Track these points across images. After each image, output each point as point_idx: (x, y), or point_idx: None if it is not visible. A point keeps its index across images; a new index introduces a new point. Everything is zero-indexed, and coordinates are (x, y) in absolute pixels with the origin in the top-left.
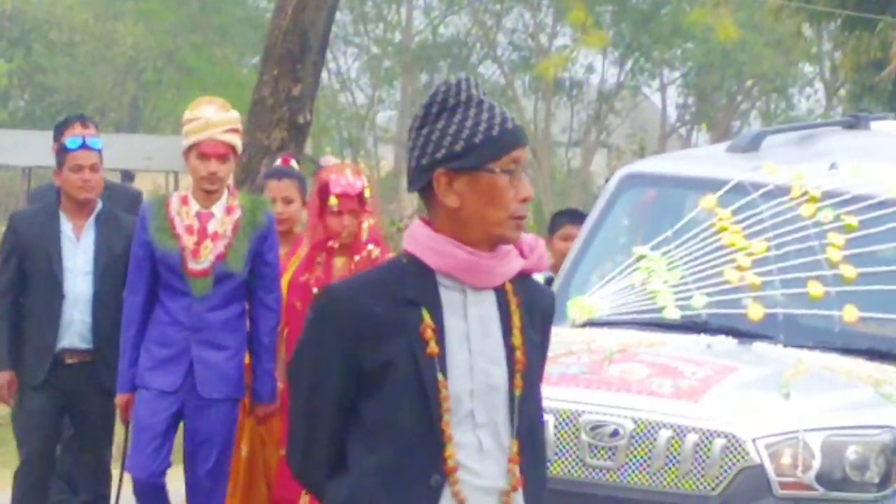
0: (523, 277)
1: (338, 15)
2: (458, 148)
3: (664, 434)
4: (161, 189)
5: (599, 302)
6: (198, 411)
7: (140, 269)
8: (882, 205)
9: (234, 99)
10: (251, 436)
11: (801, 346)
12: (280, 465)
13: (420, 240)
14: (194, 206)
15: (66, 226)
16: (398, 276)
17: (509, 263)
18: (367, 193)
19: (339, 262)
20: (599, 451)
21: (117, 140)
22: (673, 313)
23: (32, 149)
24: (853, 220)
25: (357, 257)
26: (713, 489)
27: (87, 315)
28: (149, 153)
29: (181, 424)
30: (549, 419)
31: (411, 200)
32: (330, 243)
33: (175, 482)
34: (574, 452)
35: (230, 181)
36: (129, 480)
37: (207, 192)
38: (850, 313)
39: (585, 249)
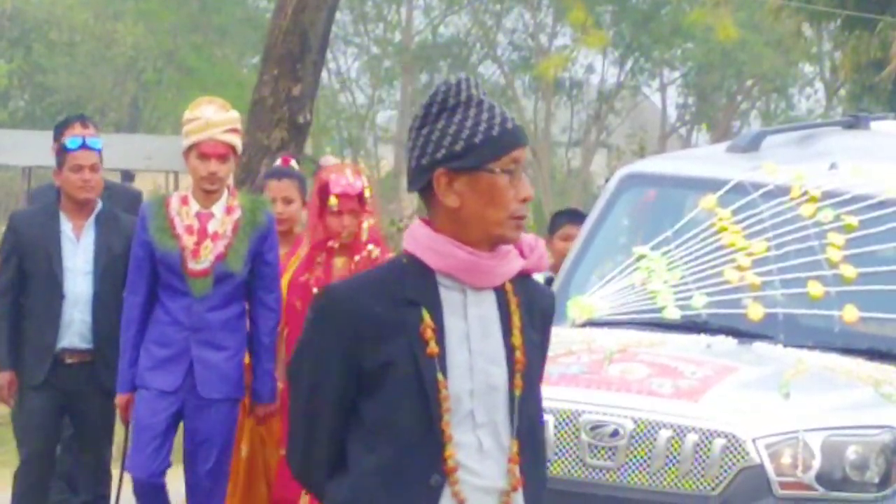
0: (523, 277)
1: (338, 15)
2: (459, 148)
3: (664, 434)
4: (161, 189)
5: (599, 302)
6: (198, 411)
7: (140, 269)
8: (882, 205)
9: (234, 99)
10: (251, 436)
11: (801, 346)
12: (280, 465)
13: (420, 240)
14: (194, 206)
15: (66, 226)
16: (398, 276)
17: (509, 263)
18: (366, 193)
19: (338, 262)
20: (599, 451)
21: (117, 140)
22: (673, 313)
23: (32, 149)
24: (853, 220)
25: (357, 257)
26: (713, 489)
27: (87, 315)
28: (149, 153)
29: (181, 425)
30: (549, 419)
31: (411, 200)
32: (330, 243)
33: (175, 482)
34: (574, 452)
35: (230, 181)
36: (128, 480)
37: (207, 192)
38: (850, 313)
39: (585, 249)
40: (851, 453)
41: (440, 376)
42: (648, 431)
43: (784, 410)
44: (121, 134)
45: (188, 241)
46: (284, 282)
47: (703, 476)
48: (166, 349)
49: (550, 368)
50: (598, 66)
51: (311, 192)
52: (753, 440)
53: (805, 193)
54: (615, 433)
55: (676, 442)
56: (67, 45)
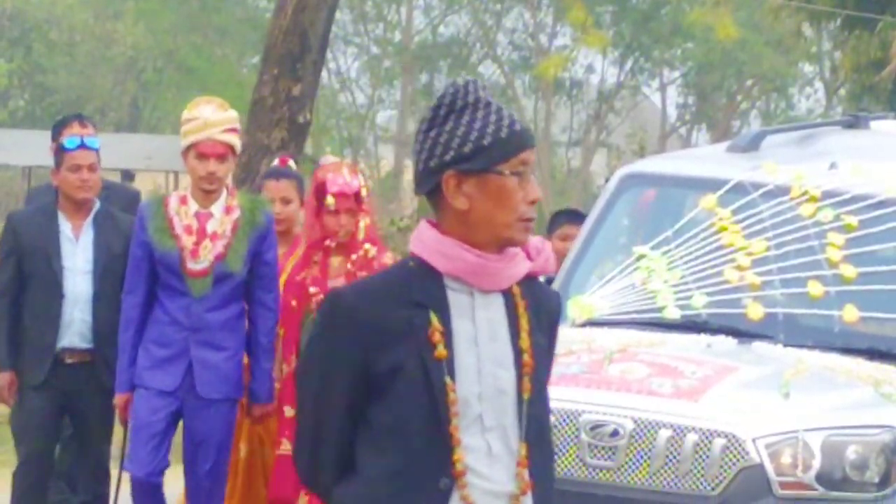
0: (530, 280)
1: (338, 14)
2: (467, 150)
3: (664, 434)
4: (161, 189)
5: (599, 302)
6: (197, 411)
7: (139, 268)
8: (882, 204)
9: (234, 99)
10: (250, 436)
11: (801, 346)
12: (276, 465)
13: (427, 242)
14: (193, 206)
15: (65, 225)
16: (405, 280)
17: (517, 266)
18: (363, 192)
19: (335, 261)
20: (599, 451)
21: (117, 140)
22: (673, 313)
23: (32, 148)
24: (853, 220)
25: (354, 256)
26: (713, 489)
27: (87, 314)
28: (149, 153)
29: (180, 425)
30: None
31: (411, 200)
32: (327, 242)
33: (173, 482)
34: (574, 452)
35: (229, 181)
36: (127, 480)
37: (206, 191)
38: (850, 313)
39: (585, 249)
40: (851, 453)
41: (448, 380)
42: (648, 431)
43: (784, 410)
44: (121, 134)
45: (187, 241)
46: (281, 282)
47: (702, 476)
48: (165, 349)
49: None
50: (597, 65)
51: (308, 192)
52: (753, 440)
53: (805, 193)
54: (615, 433)
55: (676, 442)
56: (67, 45)
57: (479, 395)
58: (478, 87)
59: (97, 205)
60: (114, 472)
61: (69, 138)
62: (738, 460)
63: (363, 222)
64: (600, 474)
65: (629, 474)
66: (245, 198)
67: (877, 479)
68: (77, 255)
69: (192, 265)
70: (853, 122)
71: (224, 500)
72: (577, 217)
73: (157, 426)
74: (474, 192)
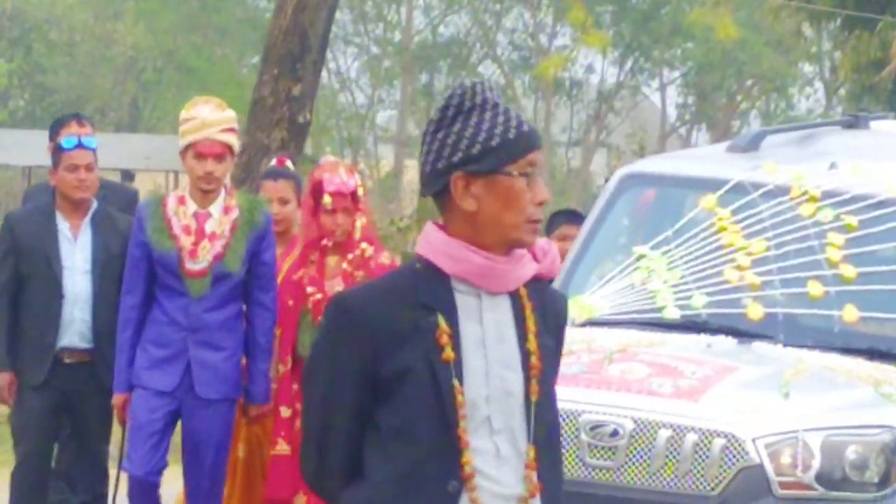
0: (537, 282)
1: (338, 14)
2: (475, 151)
3: (664, 434)
4: (161, 189)
5: (599, 301)
6: (195, 411)
7: (137, 268)
8: (882, 204)
9: (234, 99)
10: (248, 436)
11: (801, 346)
12: (272, 465)
13: (435, 244)
14: (191, 206)
15: (63, 225)
16: (412, 282)
17: (524, 268)
18: (360, 192)
19: (332, 260)
20: (599, 451)
21: (117, 140)
22: (673, 313)
23: (32, 148)
24: (853, 220)
25: (350, 256)
26: (713, 489)
27: (87, 314)
28: (149, 153)
29: (178, 426)
30: None
31: (411, 200)
32: (323, 242)
33: (172, 482)
34: (574, 452)
35: (227, 181)
36: (126, 480)
37: (204, 191)
38: (850, 313)
39: (585, 249)
40: (851, 453)
41: (456, 382)
42: (648, 431)
43: (784, 410)
44: (121, 134)
45: (185, 241)
46: (278, 282)
47: (702, 476)
48: (164, 349)
49: None
50: (597, 65)
51: (305, 191)
52: (753, 440)
53: (805, 193)
54: (615, 433)
55: (676, 442)
56: (67, 45)
57: (486, 398)
58: (485, 89)
59: (95, 204)
60: (112, 472)
61: (67, 138)
62: (737, 460)
63: (360, 222)
64: (600, 474)
65: (629, 474)
66: (243, 198)
67: (876, 479)
68: (76, 254)
69: (191, 265)
70: (853, 122)
71: (223, 500)
72: (575, 217)
73: (156, 425)
74: (482, 193)
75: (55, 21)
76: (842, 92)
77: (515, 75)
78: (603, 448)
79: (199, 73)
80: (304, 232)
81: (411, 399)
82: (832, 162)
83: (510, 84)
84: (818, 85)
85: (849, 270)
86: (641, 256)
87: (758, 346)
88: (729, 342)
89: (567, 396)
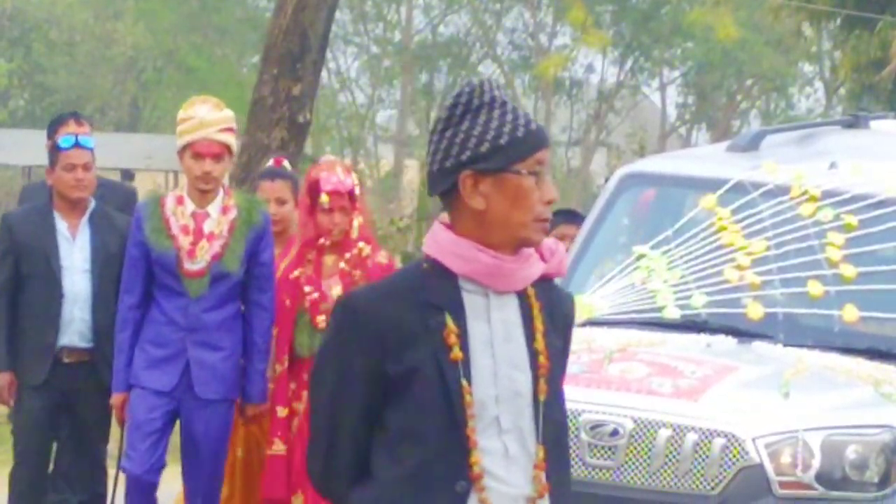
0: (544, 282)
1: (338, 14)
2: (484, 149)
3: (664, 433)
4: (161, 188)
5: (599, 301)
6: (194, 411)
7: (135, 268)
8: (882, 204)
9: (234, 98)
10: (246, 437)
11: (801, 346)
12: (268, 465)
13: (442, 244)
14: (190, 206)
15: (62, 224)
16: (420, 281)
17: (531, 267)
18: (357, 191)
19: (328, 259)
20: (599, 451)
21: (117, 139)
22: (673, 312)
23: (32, 148)
24: (853, 220)
25: (348, 255)
26: (713, 488)
27: (86, 313)
28: (149, 152)
29: (177, 426)
30: None
31: (411, 200)
32: (321, 241)
33: (171, 482)
34: (574, 452)
35: (225, 181)
36: (125, 480)
37: (202, 191)
38: (850, 313)
39: (585, 249)
40: (851, 453)
41: (464, 382)
42: (648, 431)
43: (784, 410)
44: (121, 133)
45: (184, 241)
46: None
47: (702, 475)
48: (162, 349)
49: None
50: (597, 65)
51: (302, 191)
52: (753, 439)
53: (805, 193)
54: (615, 432)
55: (676, 441)
56: (67, 45)
57: (495, 398)
58: (493, 87)
59: (93, 204)
60: (111, 471)
61: (64, 137)
62: (737, 460)
63: (357, 221)
64: (600, 474)
65: (629, 474)
66: (242, 197)
67: (876, 479)
68: (74, 254)
69: (189, 265)
70: (853, 122)
71: (224, 501)
72: (573, 217)
73: (154, 424)
74: (491, 191)
75: (55, 21)
76: (842, 92)
77: (515, 75)
78: (603, 448)
79: (199, 73)
80: (300, 231)
81: (419, 399)
82: (832, 161)
83: (510, 84)
84: (818, 85)
85: (849, 270)
86: (641, 256)
87: (758, 345)
88: (729, 342)
89: (567, 396)
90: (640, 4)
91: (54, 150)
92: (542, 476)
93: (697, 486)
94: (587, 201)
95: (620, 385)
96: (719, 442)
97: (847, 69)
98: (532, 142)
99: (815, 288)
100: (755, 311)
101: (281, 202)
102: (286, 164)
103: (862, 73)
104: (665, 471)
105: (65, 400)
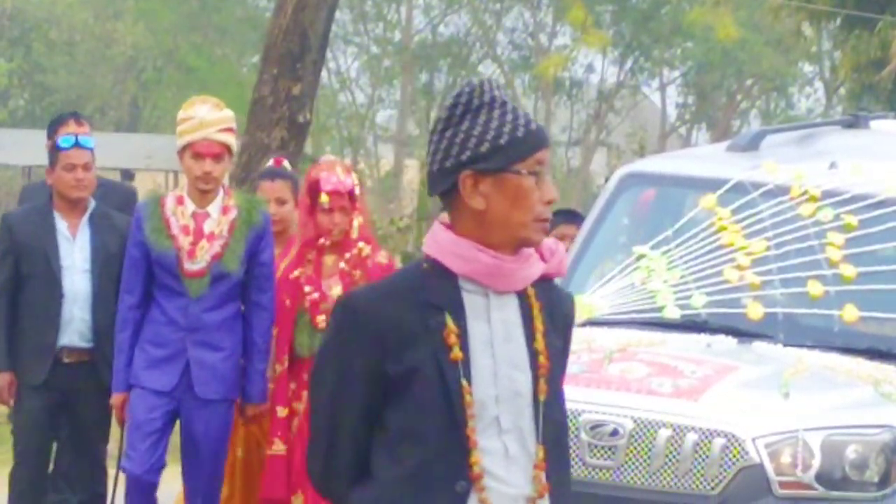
0: (544, 282)
1: (337, 14)
2: (484, 149)
3: (664, 433)
4: (161, 188)
5: (599, 301)
6: (194, 411)
7: (135, 268)
8: (882, 204)
9: (234, 98)
10: (246, 437)
11: (801, 346)
12: (268, 465)
13: (442, 244)
14: (190, 207)
15: (62, 224)
16: (420, 282)
17: (531, 267)
18: (356, 191)
19: (329, 259)
20: (599, 451)
21: (117, 139)
22: (673, 312)
23: (32, 148)
24: (853, 220)
25: (348, 255)
26: (713, 488)
27: (86, 313)
28: (149, 152)
29: (177, 426)
30: None
31: (411, 200)
32: (320, 241)
33: (171, 482)
34: (574, 452)
35: (225, 180)
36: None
37: (202, 191)
38: (850, 313)
39: (585, 249)
40: (851, 453)
41: (464, 382)
42: (648, 431)
43: (784, 410)
44: (121, 133)
45: (184, 241)
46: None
47: (702, 475)
48: (162, 349)
49: None
50: (597, 65)
51: (302, 190)
52: (753, 439)
53: (805, 193)
54: (615, 432)
55: (676, 441)
56: (67, 45)
57: (495, 398)
58: (493, 87)
59: (92, 203)
60: (111, 471)
61: (64, 137)
62: (737, 460)
63: (357, 221)
64: (600, 474)
65: (629, 474)
66: (242, 197)
67: (876, 479)
68: (75, 253)
69: (189, 265)
70: (853, 122)
71: (224, 501)
72: (572, 217)
73: (154, 424)
74: (491, 191)
75: (55, 21)
76: (842, 91)
77: (515, 75)
78: (603, 447)
79: (199, 73)
80: (300, 231)
81: (419, 399)
82: (832, 161)
83: (510, 84)
84: (818, 84)
85: (849, 270)
86: (641, 256)
87: (758, 345)
88: (729, 342)
89: (567, 396)
90: (640, 4)
91: (54, 150)
92: (542, 476)
93: (697, 486)
94: (587, 201)
95: (620, 385)
96: (719, 442)
97: (847, 69)
98: (532, 142)
99: (815, 288)
100: (755, 311)
101: (281, 202)
102: (286, 164)
103: (862, 73)
104: (665, 471)
105: (65, 400)
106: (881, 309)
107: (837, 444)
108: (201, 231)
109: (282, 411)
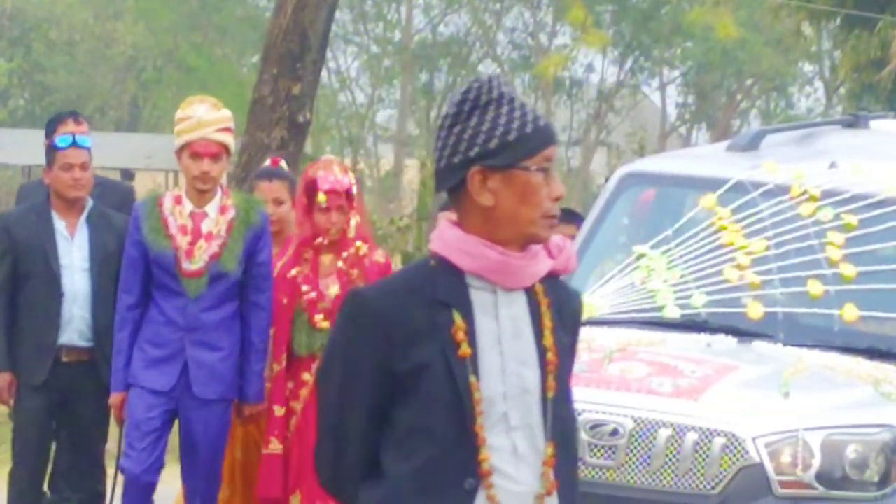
0: (552, 279)
1: (337, 13)
2: (493, 145)
3: (664, 433)
4: (161, 188)
5: (599, 301)
6: (192, 411)
7: (133, 268)
8: (881, 203)
9: (233, 98)
10: (245, 437)
11: (801, 345)
12: (265, 464)
13: (450, 241)
14: (188, 206)
15: (60, 224)
16: (427, 278)
17: (539, 264)
18: (354, 190)
19: (326, 258)
20: (599, 450)
21: (117, 139)
22: (673, 312)
23: (32, 147)
24: (853, 219)
25: (345, 254)
26: (713, 488)
27: (86, 312)
28: (149, 152)
29: (176, 426)
30: None
31: (411, 200)
32: (318, 240)
33: (171, 482)
34: None
35: (223, 180)
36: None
37: (200, 191)
38: (850, 312)
39: (585, 248)
40: (851, 452)
41: (473, 378)
42: (648, 430)
43: (784, 409)
44: (121, 133)
45: (182, 241)
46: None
47: (702, 475)
48: (161, 349)
49: None
50: (597, 65)
51: (299, 189)
52: (753, 439)
53: (805, 192)
54: (615, 432)
55: (676, 441)
56: (67, 45)
57: (503, 394)
58: (501, 83)
59: (90, 203)
60: (110, 470)
61: (61, 136)
62: (737, 459)
63: (354, 220)
64: (600, 473)
65: (629, 473)
66: (240, 197)
67: (876, 479)
68: (73, 253)
69: (188, 265)
70: (853, 122)
71: (225, 502)
72: (572, 217)
73: (153, 424)
74: (500, 187)
75: (55, 20)
76: (842, 91)
77: (515, 74)
78: (603, 447)
79: (199, 73)
80: (298, 230)
81: (428, 396)
82: (832, 161)
83: (510, 83)
84: (818, 84)
85: (849, 270)
86: (641, 255)
87: (758, 345)
88: (729, 341)
89: None
90: (640, 4)
91: (51, 150)
92: (551, 473)
93: (697, 485)
94: (587, 201)
95: (620, 385)
96: (719, 441)
97: (847, 69)
98: (541, 138)
99: (815, 287)
100: (755, 310)
101: (278, 202)
102: (283, 164)
103: (862, 73)
104: (665, 470)
105: (64, 399)
106: (881, 308)
107: (837, 444)
108: (199, 231)
109: (279, 410)
